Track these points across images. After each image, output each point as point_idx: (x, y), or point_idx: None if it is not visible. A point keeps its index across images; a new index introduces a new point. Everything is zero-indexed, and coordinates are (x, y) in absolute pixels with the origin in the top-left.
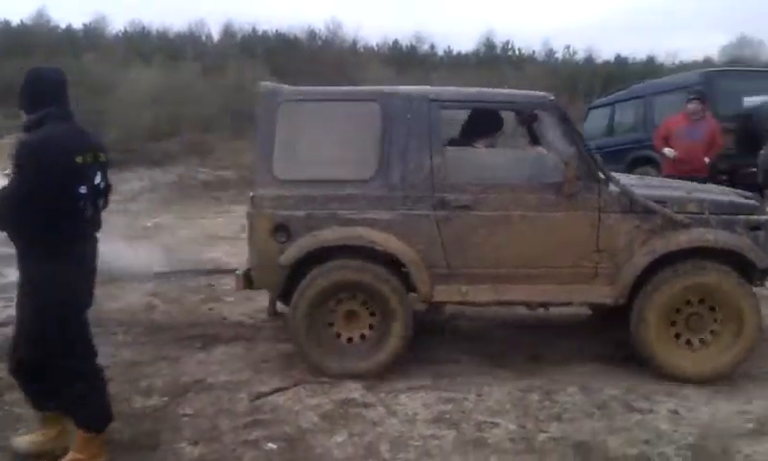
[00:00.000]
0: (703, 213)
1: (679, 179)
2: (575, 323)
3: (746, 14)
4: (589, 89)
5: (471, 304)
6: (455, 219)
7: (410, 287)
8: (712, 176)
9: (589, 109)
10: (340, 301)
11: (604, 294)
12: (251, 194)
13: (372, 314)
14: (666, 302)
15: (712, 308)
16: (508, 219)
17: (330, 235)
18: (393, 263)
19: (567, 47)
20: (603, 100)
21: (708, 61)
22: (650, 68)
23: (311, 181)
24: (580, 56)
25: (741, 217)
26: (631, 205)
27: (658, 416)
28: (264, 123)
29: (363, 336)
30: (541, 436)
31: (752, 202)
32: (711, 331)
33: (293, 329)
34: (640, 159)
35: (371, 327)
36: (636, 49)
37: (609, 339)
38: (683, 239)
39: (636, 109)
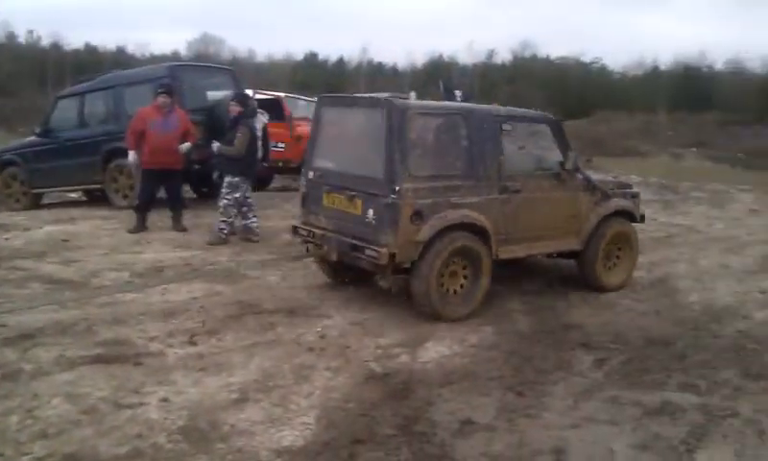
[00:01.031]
0: (615, 190)
1: (158, 172)
2: None
3: (209, 12)
4: (60, 77)
5: (513, 261)
6: (511, 200)
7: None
8: (187, 165)
9: (58, 98)
10: (449, 263)
11: (576, 243)
12: (395, 188)
13: (464, 273)
14: (606, 245)
15: (619, 247)
16: (536, 198)
17: (453, 216)
18: (481, 233)
19: (31, 32)
20: (72, 89)
21: (176, 55)
22: (122, 58)
23: (434, 176)
24: (46, 41)
25: (628, 191)
26: (589, 186)
27: (148, 407)
28: (396, 131)
29: (460, 287)
30: (24, 459)
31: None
32: (617, 257)
33: (425, 288)
34: (116, 151)
35: (463, 281)
36: (105, 39)
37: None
38: (612, 206)
39: (107, 100)
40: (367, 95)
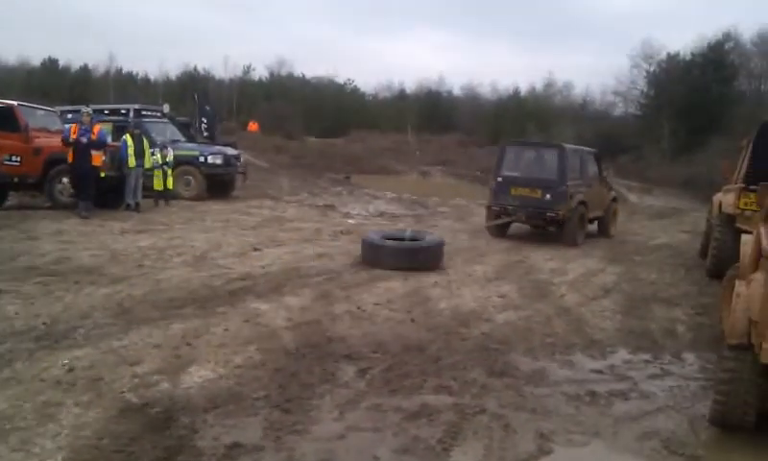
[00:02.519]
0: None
1: None
2: None
3: None
4: None
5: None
6: (591, 190)
7: None
8: None
9: None
10: (580, 220)
11: (601, 212)
12: (565, 184)
13: (582, 224)
14: (612, 213)
15: (614, 214)
16: (596, 190)
17: (579, 197)
18: (585, 205)
19: None
20: None
21: None
22: None
23: (572, 179)
24: None
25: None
26: (608, 185)
27: None
28: (563, 159)
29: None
30: None
31: None
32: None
33: (574, 231)
34: None
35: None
36: None
37: None
38: (613, 194)
39: None
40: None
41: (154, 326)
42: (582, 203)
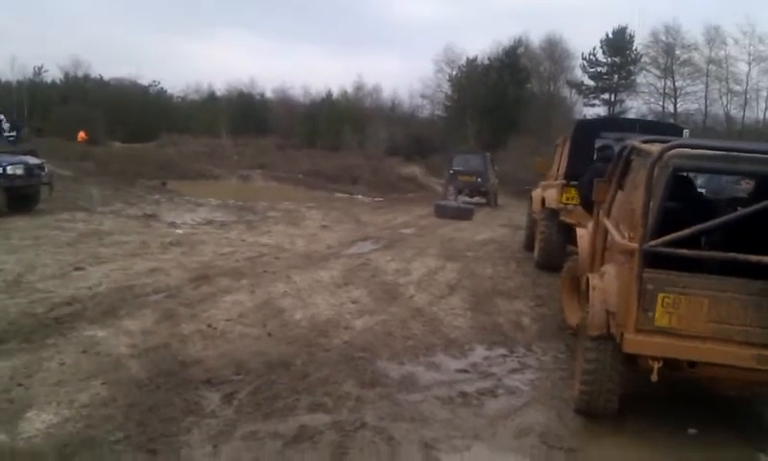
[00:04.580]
0: None
1: None
2: None
3: None
4: None
5: None
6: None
7: None
8: None
9: None
10: None
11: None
12: None
13: None
14: None
15: None
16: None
17: None
18: None
19: None
20: None
21: None
22: None
23: None
24: None
25: None
26: (496, 173)
27: None
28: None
29: None
30: None
31: None
32: None
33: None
34: None
35: None
36: None
37: None
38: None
39: None
40: None
41: None
42: (493, 183)
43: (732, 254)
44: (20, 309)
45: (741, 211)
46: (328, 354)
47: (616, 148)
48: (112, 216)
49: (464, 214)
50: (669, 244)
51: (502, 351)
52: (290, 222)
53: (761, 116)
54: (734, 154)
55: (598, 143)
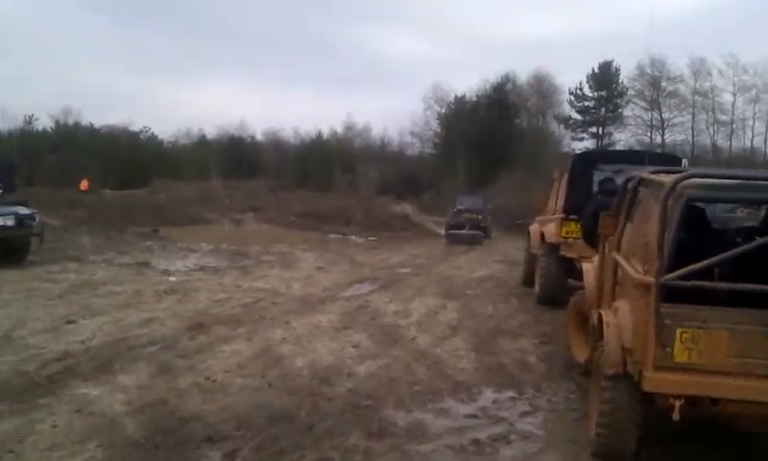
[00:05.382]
0: None
1: None
2: None
3: None
4: None
5: None
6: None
7: None
8: None
9: None
10: None
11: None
12: None
13: None
14: None
15: None
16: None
17: None
18: None
19: None
20: None
21: None
22: None
23: None
24: None
25: None
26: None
27: None
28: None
29: None
30: None
31: None
32: None
33: None
34: None
35: None
36: None
37: None
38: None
39: None
40: None
41: None
42: (488, 219)
43: (754, 285)
44: (11, 367)
45: (759, 241)
46: (332, 404)
47: (618, 180)
48: (104, 265)
49: (474, 240)
50: (686, 277)
51: (511, 393)
52: (285, 265)
53: (748, 144)
54: (750, 182)
55: (597, 176)
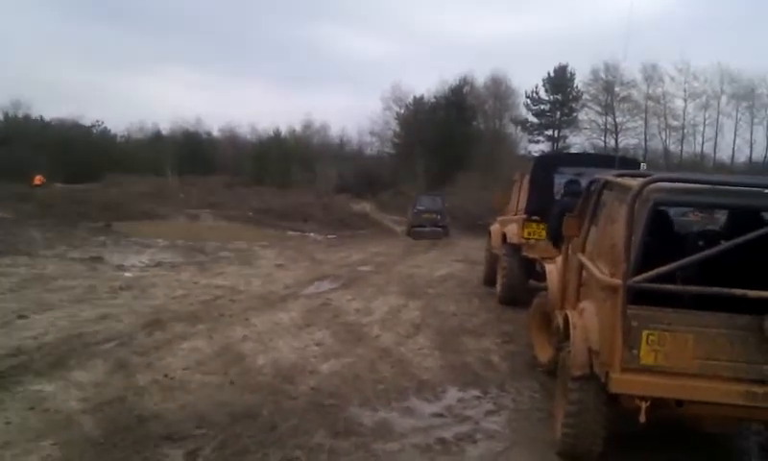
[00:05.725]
0: None
1: None
2: None
3: None
4: None
5: None
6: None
7: None
8: None
9: None
10: None
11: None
12: None
13: None
14: None
15: None
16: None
17: None
18: None
19: None
20: None
21: None
22: None
23: None
24: None
25: None
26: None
27: None
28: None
29: None
30: None
31: None
32: None
33: None
34: None
35: None
36: None
37: None
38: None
39: None
40: None
41: None
42: (446, 218)
43: (720, 289)
44: None
45: (725, 244)
46: (296, 402)
47: (583, 182)
48: (56, 260)
49: (437, 235)
50: (652, 279)
51: (475, 391)
52: (243, 262)
53: (699, 150)
54: (717, 187)
55: (558, 178)
